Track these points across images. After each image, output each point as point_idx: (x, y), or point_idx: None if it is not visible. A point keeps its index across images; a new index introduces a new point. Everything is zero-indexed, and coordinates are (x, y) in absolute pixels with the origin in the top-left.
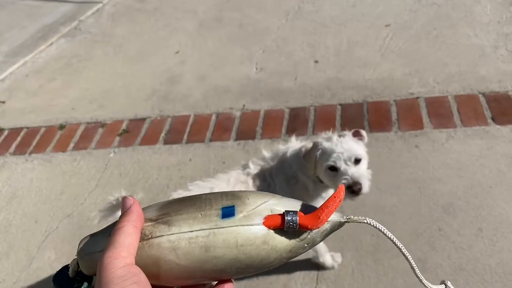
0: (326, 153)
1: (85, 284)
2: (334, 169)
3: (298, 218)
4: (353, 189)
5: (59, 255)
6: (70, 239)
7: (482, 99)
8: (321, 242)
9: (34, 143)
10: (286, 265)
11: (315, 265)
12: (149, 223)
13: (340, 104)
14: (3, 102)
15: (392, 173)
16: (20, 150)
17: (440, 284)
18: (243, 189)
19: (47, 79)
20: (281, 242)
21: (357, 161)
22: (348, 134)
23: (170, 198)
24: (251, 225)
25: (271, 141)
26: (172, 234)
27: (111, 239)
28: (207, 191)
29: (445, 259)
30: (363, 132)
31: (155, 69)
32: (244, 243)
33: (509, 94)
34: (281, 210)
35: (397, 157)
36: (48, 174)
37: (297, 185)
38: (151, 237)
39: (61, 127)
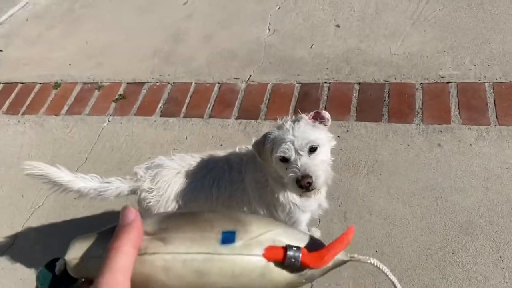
0: (277, 143)
1: None
2: (285, 160)
3: (301, 256)
4: (300, 183)
5: (41, 237)
6: (55, 218)
7: None
8: None
9: (27, 102)
10: None
11: None
12: (146, 237)
13: (359, 83)
14: (1, 51)
15: (407, 177)
16: (13, 110)
17: None
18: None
19: (46, 26)
20: (280, 276)
21: (312, 149)
22: (304, 117)
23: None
24: (250, 256)
25: (275, 123)
26: (168, 253)
27: (107, 259)
28: (187, 164)
29: None
30: (326, 114)
31: (161, 23)
32: (240, 273)
33: None
34: (285, 242)
35: (416, 157)
36: (39, 140)
37: (266, 189)
38: (145, 253)
39: (57, 85)
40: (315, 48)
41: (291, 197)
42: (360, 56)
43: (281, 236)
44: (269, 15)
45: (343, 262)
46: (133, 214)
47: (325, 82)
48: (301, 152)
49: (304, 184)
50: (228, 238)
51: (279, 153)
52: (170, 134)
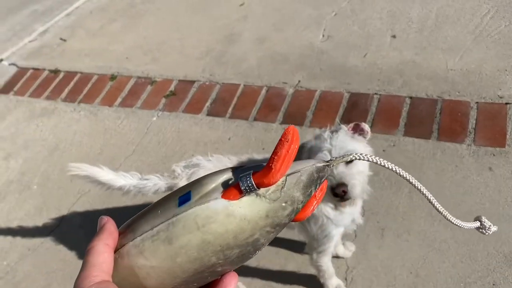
0: (313, 152)
1: None
2: None
3: (252, 179)
4: (335, 191)
5: (85, 222)
6: (99, 205)
7: None
8: (330, 265)
9: (85, 91)
10: (300, 284)
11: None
12: (120, 237)
13: (410, 97)
14: (65, 40)
15: (452, 199)
16: (71, 98)
17: (474, 220)
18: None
19: (108, 19)
20: (250, 210)
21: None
22: (343, 128)
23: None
24: (208, 202)
25: (320, 131)
26: (135, 238)
27: (84, 260)
28: (224, 166)
29: None
30: (365, 126)
31: (216, 22)
32: (205, 222)
33: None
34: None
35: (463, 179)
36: (91, 129)
37: None
38: (120, 247)
39: (113, 77)
40: (369, 57)
41: (324, 210)
42: (415, 69)
43: (235, 175)
44: (324, 20)
45: (319, 170)
46: (104, 219)
47: (376, 94)
48: None
49: (339, 192)
50: (184, 199)
51: None
52: (214, 134)
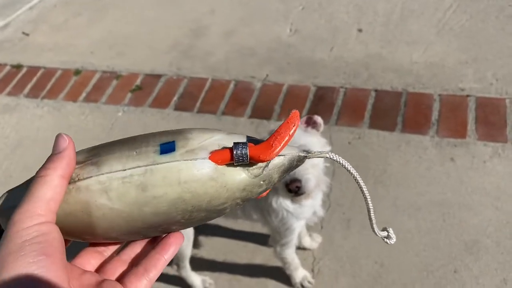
0: None
1: None
2: None
3: (248, 150)
4: (289, 187)
5: None
6: None
7: None
8: (295, 256)
9: (48, 86)
10: (272, 281)
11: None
12: (77, 166)
13: (376, 90)
14: (27, 35)
15: (416, 189)
16: (34, 93)
17: (382, 230)
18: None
19: (73, 13)
20: (232, 179)
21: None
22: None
23: None
24: (195, 160)
25: (273, 127)
26: (102, 174)
27: (29, 189)
28: None
29: None
30: (318, 119)
31: (184, 16)
32: (188, 179)
33: None
34: (230, 144)
35: (426, 170)
36: (55, 125)
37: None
38: (78, 180)
39: (77, 72)
40: (335, 51)
41: (284, 204)
42: (380, 62)
43: (224, 140)
44: (291, 14)
45: (300, 159)
46: (65, 142)
47: (342, 87)
48: None
49: (293, 188)
50: (167, 148)
51: None
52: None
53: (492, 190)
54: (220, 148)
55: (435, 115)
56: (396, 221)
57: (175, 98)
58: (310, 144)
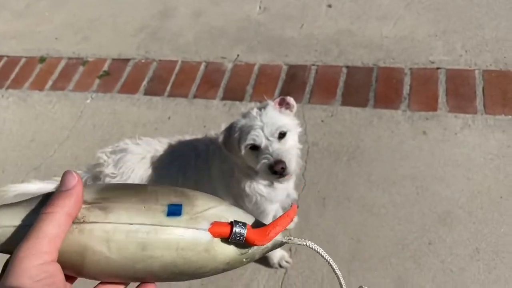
0: (245, 131)
1: None
2: (255, 148)
3: (246, 231)
4: (274, 169)
5: None
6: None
7: None
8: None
9: (12, 76)
10: (250, 264)
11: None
12: (83, 206)
13: (347, 67)
14: None
15: (389, 164)
16: None
17: None
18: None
19: None
20: (222, 253)
21: (282, 135)
22: (271, 103)
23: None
24: (197, 229)
25: (248, 109)
26: (109, 223)
27: (36, 225)
28: (153, 149)
29: (428, 281)
30: (291, 100)
31: None
32: (186, 247)
33: None
34: (230, 218)
35: (399, 144)
36: (22, 115)
37: (232, 179)
38: (84, 222)
39: (42, 60)
40: (305, 28)
41: (257, 188)
42: (350, 38)
43: (226, 213)
44: None
45: (281, 244)
46: (75, 179)
47: (313, 65)
48: (271, 138)
49: (278, 170)
50: (174, 210)
51: (249, 141)
52: (153, 114)
53: (464, 161)
54: (219, 220)
55: (406, 89)
56: (370, 197)
57: (144, 83)
58: (287, 126)
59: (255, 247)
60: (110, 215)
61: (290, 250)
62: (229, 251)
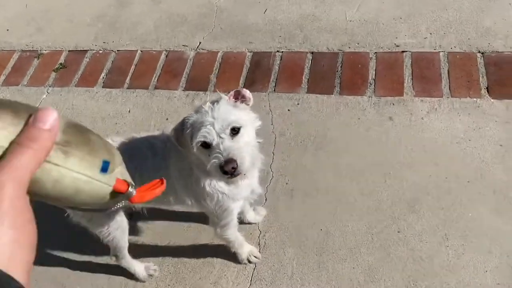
0: (196, 127)
1: None
2: (206, 145)
3: (135, 193)
4: (224, 169)
5: None
6: None
7: (480, 61)
8: (238, 234)
9: None
10: (219, 260)
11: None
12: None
13: (312, 52)
14: None
15: (357, 152)
16: None
17: None
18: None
19: None
20: (111, 198)
21: (235, 131)
22: (224, 97)
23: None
24: (110, 186)
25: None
26: (65, 168)
27: (15, 155)
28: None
29: (398, 271)
30: (246, 92)
31: None
32: (100, 197)
33: None
34: (127, 179)
35: (366, 131)
36: None
37: (191, 178)
38: (49, 162)
39: None
40: (269, 13)
41: (218, 186)
42: (315, 22)
43: (123, 170)
44: None
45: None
46: (55, 119)
47: (278, 51)
48: (223, 135)
49: (229, 170)
50: (104, 168)
51: (199, 138)
52: (112, 107)
53: (431, 146)
54: (122, 177)
55: (371, 74)
56: (339, 186)
57: (103, 75)
58: (241, 121)
59: (126, 201)
60: (68, 161)
61: (259, 244)
62: (113, 198)
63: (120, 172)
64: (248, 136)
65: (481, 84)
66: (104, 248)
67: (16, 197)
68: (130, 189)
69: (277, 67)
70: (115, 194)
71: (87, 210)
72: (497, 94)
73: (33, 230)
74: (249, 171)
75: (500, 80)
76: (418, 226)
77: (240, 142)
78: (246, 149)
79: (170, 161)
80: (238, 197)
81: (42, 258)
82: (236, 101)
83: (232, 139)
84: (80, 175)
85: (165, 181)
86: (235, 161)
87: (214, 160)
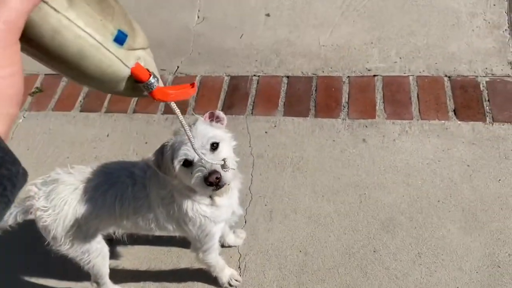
0: (176, 148)
1: None
2: (188, 163)
3: (157, 86)
4: (209, 180)
5: None
6: None
7: (447, 84)
8: (219, 258)
9: None
10: (199, 284)
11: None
12: None
13: (287, 76)
14: None
15: (332, 173)
16: None
17: None
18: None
19: None
20: (130, 87)
21: (214, 146)
22: (200, 118)
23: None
24: (124, 65)
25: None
26: (67, 18)
27: None
28: (86, 179)
29: None
30: (220, 114)
31: None
32: (110, 73)
33: (478, 80)
34: (149, 66)
35: (341, 153)
36: None
37: (173, 205)
38: (46, 2)
39: None
40: (245, 38)
41: (200, 210)
42: (289, 47)
43: (148, 58)
44: (198, 0)
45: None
46: None
47: (254, 75)
48: (203, 151)
49: (213, 180)
50: (120, 39)
51: (181, 156)
52: (90, 131)
53: (403, 167)
54: (144, 63)
55: (345, 97)
56: (316, 207)
57: (80, 99)
58: (218, 136)
59: (146, 93)
60: (71, 10)
61: (239, 267)
62: (134, 89)
63: (143, 58)
64: (227, 151)
65: (448, 107)
66: (85, 274)
67: (6, 46)
68: (152, 79)
69: (254, 91)
70: (133, 82)
71: (102, 89)
72: (464, 116)
73: (18, 82)
74: (231, 181)
75: (465, 103)
76: (393, 245)
77: (220, 156)
78: (227, 162)
79: (151, 190)
80: (220, 220)
81: (21, 285)
82: (211, 121)
83: (213, 153)
84: (85, 33)
85: (196, 85)
86: (218, 172)
87: (198, 174)
